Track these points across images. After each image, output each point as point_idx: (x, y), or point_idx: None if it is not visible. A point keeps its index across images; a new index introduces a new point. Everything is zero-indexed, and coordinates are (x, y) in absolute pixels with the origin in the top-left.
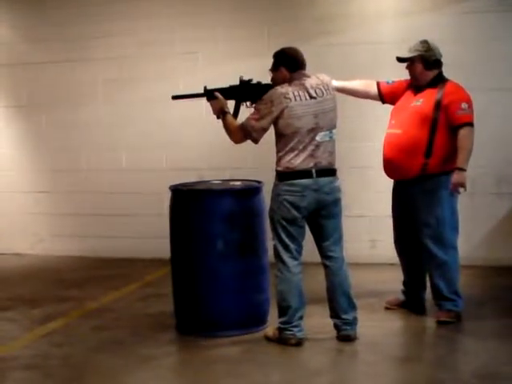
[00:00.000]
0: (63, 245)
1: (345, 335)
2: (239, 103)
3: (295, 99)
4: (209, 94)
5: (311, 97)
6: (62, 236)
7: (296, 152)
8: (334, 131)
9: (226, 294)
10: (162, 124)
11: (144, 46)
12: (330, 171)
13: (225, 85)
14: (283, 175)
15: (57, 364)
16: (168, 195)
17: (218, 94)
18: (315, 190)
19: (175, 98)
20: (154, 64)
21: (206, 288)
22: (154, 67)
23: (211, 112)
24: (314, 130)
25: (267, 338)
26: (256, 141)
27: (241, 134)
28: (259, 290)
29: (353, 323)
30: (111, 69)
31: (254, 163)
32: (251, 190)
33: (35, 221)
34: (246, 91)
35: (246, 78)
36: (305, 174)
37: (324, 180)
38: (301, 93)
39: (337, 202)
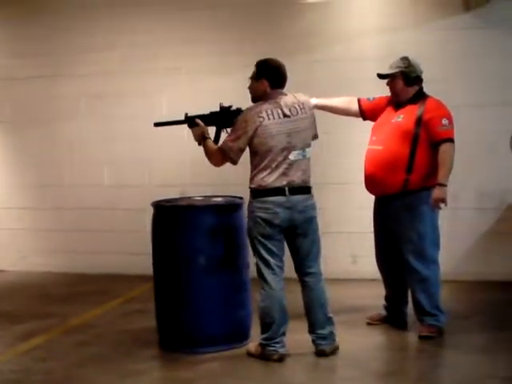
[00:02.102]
0: (46, 261)
1: (319, 350)
2: (220, 129)
3: (268, 118)
4: (190, 121)
5: (285, 115)
6: (45, 252)
7: (269, 170)
8: (307, 150)
9: (209, 310)
10: (144, 140)
11: (127, 62)
12: (304, 189)
13: (207, 101)
14: (256, 193)
15: (39, 379)
16: (150, 211)
17: (198, 120)
18: (288, 208)
19: (157, 125)
20: (137, 79)
21: (188, 304)
22: (137, 82)
23: (192, 138)
24: (287, 149)
25: (249, 354)
26: (234, 162)
27: (219, 156)
28: (241, 306)
29: (328, 338)
30: (95, 84)
31: (236, 179)
32: (233, 206)
33: (18, 237)
34: (226, 117)
35: (226, 104)
36: (277, 191)
37: (297, 198)
38: (274, 111)
39: (311, 219)
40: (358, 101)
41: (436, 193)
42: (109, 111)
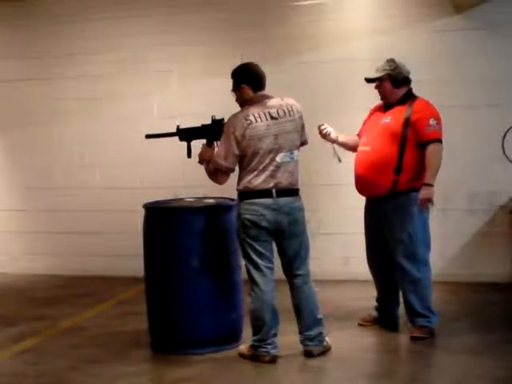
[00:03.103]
0: (37, 263)
1: (306, 351)
2: (211, 142)
3: (256, 120)
4: (181, 134)
5: (272, 117)
6: (35, 254)
7: (256, 172)
8: (295, 152)
9: (201, 312)
10: (135, 142)
11: (118, 64)
12: (291, 191)
13: (198, 103)
14: (243, 194)
15: (31, 383)
16: (142, 213)
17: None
18: (274, 210)
19: (149, 137)
20: (128, 82)
21: (180, 305)
22: (128, 85)
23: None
24: (274, 151)
25: (241, 356)
26: (234, 170)
27: (221, 174)
28: (233, 307)
29: (315, 339)
30: (85, 86)
31: (228, 181)
32: (224, 208)
33: (8, 239)
34: (218, 130)
35: (217, 116)
36: (264, 193)
37: (284, 200)
38: (261, 114)
39: (298, 221)
40: (358, 135)
41: (422, 193)
42: (100, 113)
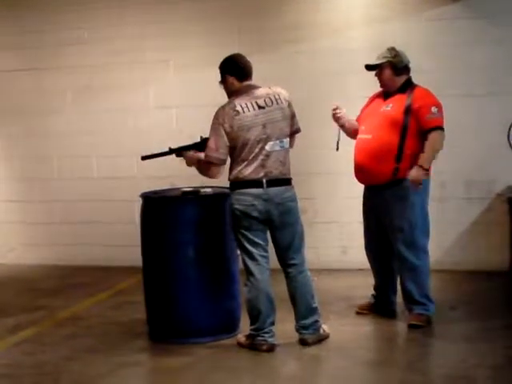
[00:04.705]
0: (35, 254)
1: (301, 339)
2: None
3: (243, 111)
4: (175, 153)
5: (259, 107)
6: (33, 245)
7: (246, 162)
8: (285, 140)
9: (198, 301)
10: (133, 132)
11: (115, 55)
12: (282, 181)
13: (195, 93)
14: (234, 185)
15: (29, 373)
16: (139, 203)
17: (185, 153)
18: (265, 200)
19: (144, 158)
20: (124, 72)
21: (177, 295)
22: (124, 75)
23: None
24: (263, 140)
25: (239, 344)
26: (226, 161)
27: (213, 168)
28: (231, 297)
29: (309, 327)
30: (82, 77)
31: (225, 171)
32: (221, 197)
33: (6, 230)
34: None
35: (205, 135)
36: (255, 183)
37: (274, 190)
38: (248, 104)
39: (290, 211)
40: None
41: (412, 174)
42: (96, 104)
